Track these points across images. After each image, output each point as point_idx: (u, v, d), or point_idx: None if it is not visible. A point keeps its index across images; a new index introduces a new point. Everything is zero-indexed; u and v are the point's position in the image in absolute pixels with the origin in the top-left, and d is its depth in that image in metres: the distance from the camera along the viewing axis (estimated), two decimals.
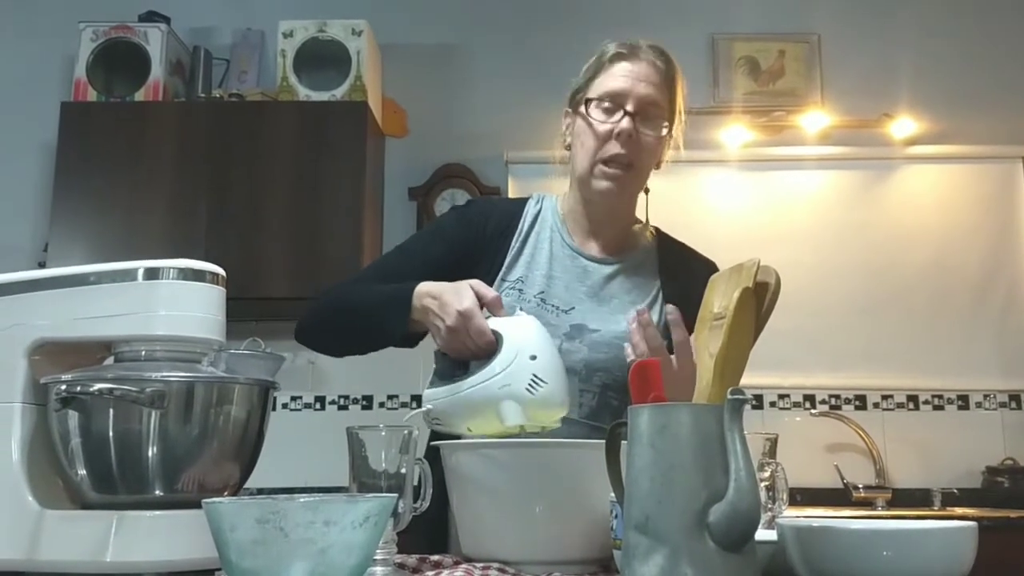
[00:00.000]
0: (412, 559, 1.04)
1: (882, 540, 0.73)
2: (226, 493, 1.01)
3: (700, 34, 3.43)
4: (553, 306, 1.39)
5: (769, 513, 1.12)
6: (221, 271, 1.03)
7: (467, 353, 1.17)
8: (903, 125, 3.32)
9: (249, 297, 2.91)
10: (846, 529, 0.75)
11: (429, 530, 1.33)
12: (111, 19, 3.19)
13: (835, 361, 3.20)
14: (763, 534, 0.79)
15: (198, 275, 1.00)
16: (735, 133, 3.35)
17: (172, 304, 0.98)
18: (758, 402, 3.20)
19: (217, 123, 3.13)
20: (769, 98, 3.39)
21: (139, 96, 3.14)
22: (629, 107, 1.37)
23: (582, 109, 1.41)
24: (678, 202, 3.30)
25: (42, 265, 3.01)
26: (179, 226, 3.03)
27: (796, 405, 3.23)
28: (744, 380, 0.89)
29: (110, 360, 1.03)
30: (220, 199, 3.05)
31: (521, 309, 1.28)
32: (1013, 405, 3.20)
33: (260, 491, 2.87)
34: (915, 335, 3.21)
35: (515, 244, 1.44)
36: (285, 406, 3.21)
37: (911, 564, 0.72)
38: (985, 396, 3.20)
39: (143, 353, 1.00)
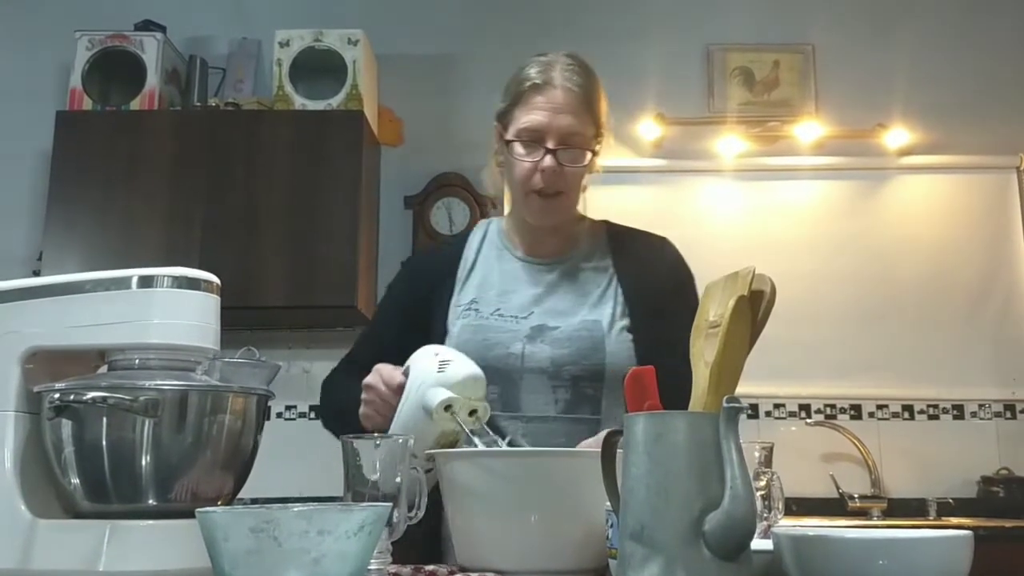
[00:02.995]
0: (407, 569, 1.04)
1: (878, 549, 0.73)
2: (220, 503, 1.00)
3: (695, 44, 3.45)
4: (511, 316, 1.43)
5: (765, 522, 1.12)
6: (215, 279, 1.03)
7: (391, 411, 1.22)
8: (897, 135, 3.33)
9: (244, 306, 2.91)
10: (842, 538, 0.75)
11: (426, 541, 1.34)
12: (107, 28, 3.20)
13: (830, 371, 3.21)
14: (759, 543, 0.79)
15: (192, 283, 1.00)
16: (730, 143, 3.36)
17: (166, 312, 0.98)
18: (753, 411, 3.20)
19: (213, 132, 3.13)
20: (764, 108, 3.40)
21: (135, 105, 3.14)
22: (550, 143, 1.40)
23: (506, 145, 1.44)
24: (673, 211, 3.31)
25: (36, 274, 3.01)
26: (174, 235, 3.02)
27: (791, 415, 3.23)
28: (739, 389, 0.89)
29: (104, 368, 1.03)
30: (215, 208, 3.05)
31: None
32: (1008, 415, 3.20)
33: (254, 501, 2.86)
34: (910, 345, 3.21)
35: (462, 275, 1.49)
36: (280, 415, 3.20)
37: (907, 573, 0.72)
38: (980, 406, 3.21)
39: (137, 361, 0.99)
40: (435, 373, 1.15)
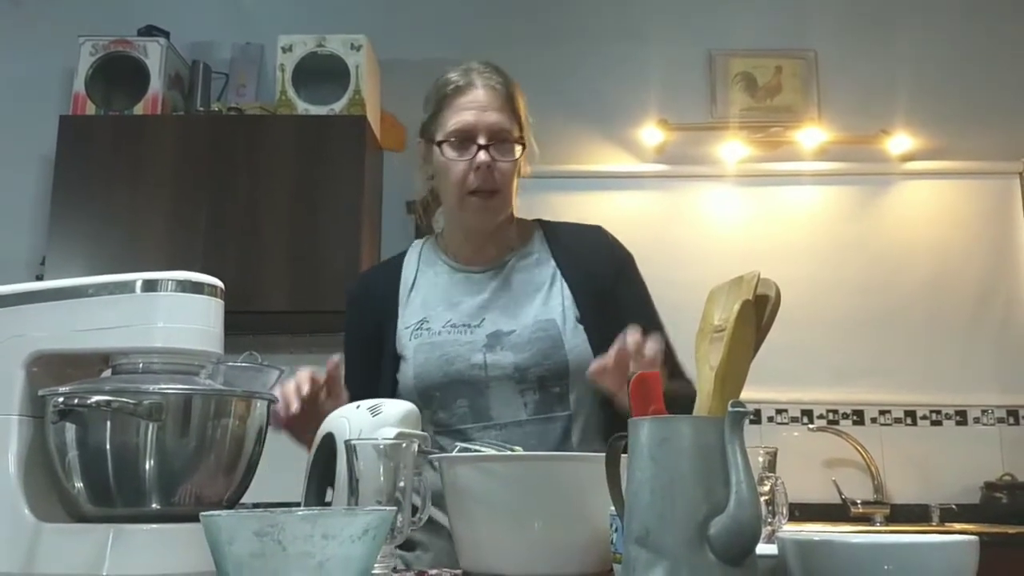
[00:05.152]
0: (410, 573, 1.04)
1: (883, 554, 0.73)
2: (223, 507, 1.00)
3: (698, 50, 3.45)
4: (464, 326, 1.43)
5: (769, 527, 1.12)
6: (219, 283, 1.03)
7: (289, 413, 1.24)
8: (900, 141, 3.33)
9: (247, 311, 2.91)
10: (847, 543, 0.75)
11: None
12: (110, 33, 3.20)
13: (833, 376, 3.20)
14: (763, 548, 0.79)
15: (196, 287, 1.00)
16: (732, 149, 3.36)
17: (170, 316, 0.98)
18: (756, 417, 3.20)
19: (216, 137, 3.14)
20: (766, 114, 3.40)
21: (138, 110, 3.15)
22: (481, 140, 1.41)
23: (436, 149, 1.45)
24: (675, 217, 3.31)
25: (40, 278, 3.01)
26: (177, 240, 3.03)
27: (794, 420, 3.22)
28: (742, 395, 0.89)
29: (108, 372, 1.03)
30: (218, 213, 3.05)
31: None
32: (1011, 421, 3.20)
33: (257, 506, 2.86)
34: (913, 350, 3.21)
35: (403, 295, 1.50)
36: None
37: None
38: (983, 411, 3.20)
39: (141, 365, 0.99)
40: (371, 419, 1.11)
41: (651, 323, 1.27)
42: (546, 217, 1.59)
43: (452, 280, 1.50)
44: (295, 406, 1.25)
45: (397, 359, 1.45)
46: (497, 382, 1.38)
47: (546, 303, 1.44)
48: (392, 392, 1.44)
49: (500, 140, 1.42)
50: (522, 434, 1.37)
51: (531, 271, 1.48)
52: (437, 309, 1.46)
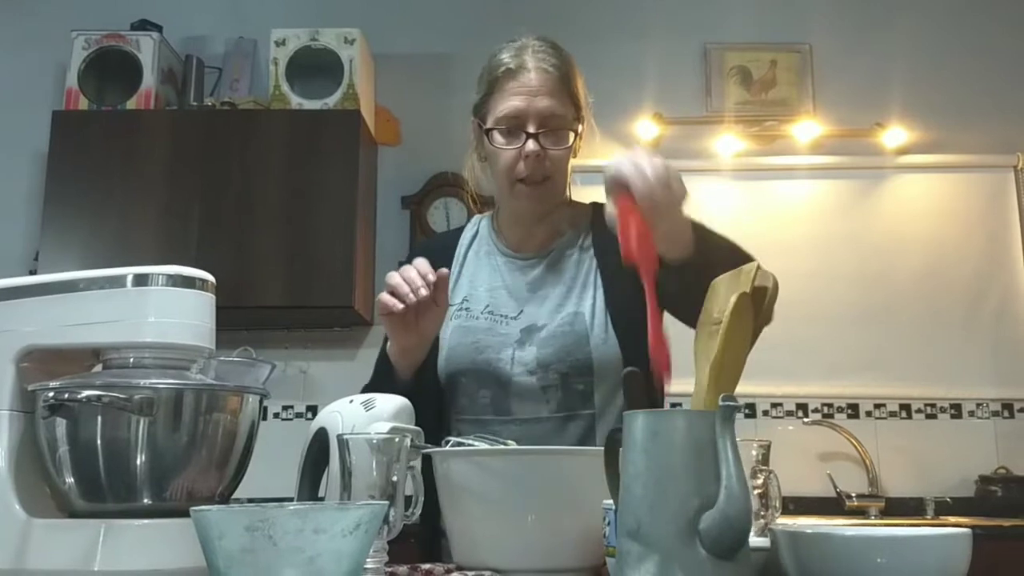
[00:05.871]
0: (403, 568, 1.04)
1: (876, 547, 0.72)
2: (215, 502, 1.00)
3: (693, 43, 3.44)
4: (502, 316, 1.41)
5: (762, 521, 1.12)
6: (211, 278, 1.02)
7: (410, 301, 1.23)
8: (895, 135, 3.33)
9: (241, 306, 2.91)
10: (840, 536, 0.75)
11: (423, 534, 1.33)
12: (103, 28, 3.19)
13: (828, 370, 3.21)
14: (755, 542, 0.79)
15: (188, 282, 0.99)
16: (727, 142, 3.36)
17: (161, 311, 0.97)
18: (751, 411, 3.20)
19: (209, 131, 3.13)
20: (761, 107, 3.40)
21: (131, 104, 3.14)
22: (531, 128, 1.36)
23: (485, 136, 1.41)
24: None
25: (33, 272, 3.00)
26: (171, 235, 3.02)
27: (789, 414, 3.23)
28: (736, 389, 0.89)
29: (99, 367, 1.02)
30: (212, 208, 3.04)
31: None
32: (1006, 414, 3.21)
33: (251, 501, 2.85)
34: (908, 344, 3.21)
35: (454, 270, 1.47)
36: (277, 416, 3.19)
37: (906, 571, 0.72)
38: (978, 405, 3.21)
39: (132, 360, 0.99)
40: (364, 413, 1.10)
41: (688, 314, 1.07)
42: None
43: (499, 264, 1.47)
44: (423, 291, 1.22)
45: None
46: (519, 377, 1.35)
47: (582, 296, 1.40)
48: (433, 366, 1.41)
49: (552, 127, 1.37)
50: (542, 431, 1.34)
51: (573, 262, 1.44)
52: (479, 291, 1.44)
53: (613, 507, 0.85)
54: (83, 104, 3.13)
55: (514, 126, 1.37)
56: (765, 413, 3.22)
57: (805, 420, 3.19)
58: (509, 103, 1.37)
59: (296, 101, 3.14)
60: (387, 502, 0.87)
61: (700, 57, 3.44)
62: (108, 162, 3.09)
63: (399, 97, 3.41)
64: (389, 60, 3.40)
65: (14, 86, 3.41)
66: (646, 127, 3.35)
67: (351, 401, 1.13)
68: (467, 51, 3.68)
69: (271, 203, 3.05)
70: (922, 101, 3.35)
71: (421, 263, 1.27)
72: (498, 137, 1.39)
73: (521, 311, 1.41)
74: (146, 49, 3.16)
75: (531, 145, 1.36)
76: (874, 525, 2.77)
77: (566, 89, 1.40)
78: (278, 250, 3.02)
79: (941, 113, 3.35)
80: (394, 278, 1.27)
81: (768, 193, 3.36)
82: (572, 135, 1.39)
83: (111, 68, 3.19)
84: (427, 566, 1.05)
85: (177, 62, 3.33)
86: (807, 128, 3.35)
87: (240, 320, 3.02)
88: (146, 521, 0.92)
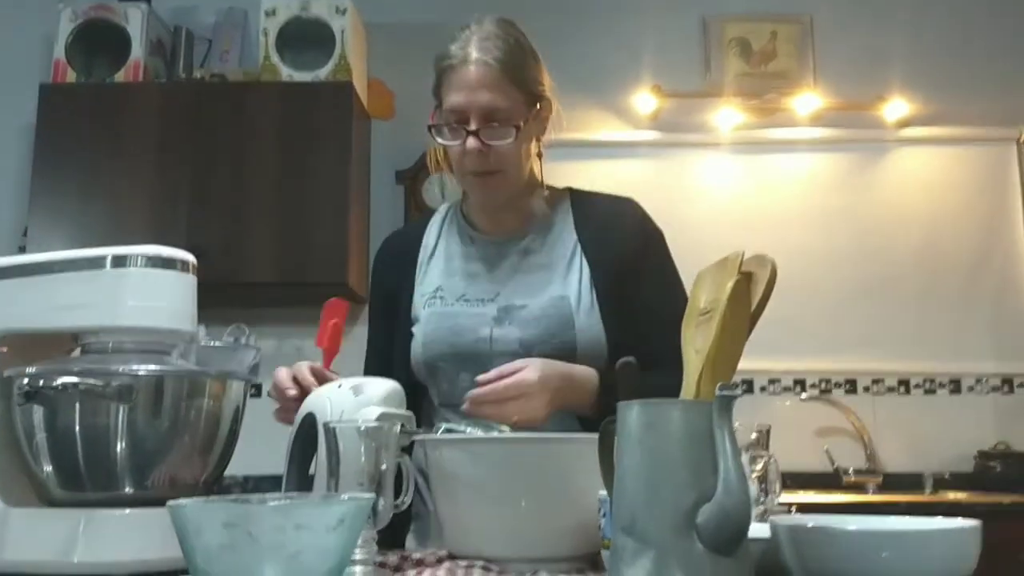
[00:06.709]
0: (393, 557, 1.01)
1: (881, 541, 0.70)
2: (200, 489, 0.97)
3: (691, 15, 3.38)
4: (477, 300, 1.39)
5: (762, 506, 1.09)
6: (192, 259, 0.99)
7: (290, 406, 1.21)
8: (896, 107, 3.29)
9: (233, 283, 2.87)
10: (843, 530, 0.72)
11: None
12: None
13: (826, 345, 3.18)
14: (755, 528, 0.76)
15: (167, 263, 0.96)
16: (727, 115, 3.31)
17: (140, 294, 0.94)
18: (748, 387, 3.18)
19: (199, 105, 3.07)
20: (761, 80, 3.35)
21: (119, 77, 3.08)
22: (472, 124, 1.34)
23: (429, 132, 1.40)
24: (669, 184, 3.26)
25: (22, 249, 2.96)
26: (161, 210, 2.97)
27: (786, 390, 3.21)
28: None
29: (77, 352, 0.99)
30: (202, 183, 2.99)
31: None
32: (1005, 389, 3.19)
33: (246, 479, 2.84)
34: (907, 318, 3.19)
35: (423, 259, 1.46)
36: (271, 394, 3.16)
37: (911, 566, 0.69)
38: (977, 380, 3.19)
39: (111, 345, 0.96)
40: (353, 398, 1.07)
41: (673, 306, 1.02)
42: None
43: (471, 249, 1.45)
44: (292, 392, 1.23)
45: (410, 323, 1.41)
46: (501, 358, 1.32)
47: (565, 279, 1.38)
48: (407, 360, 1.40)
49: (493, 121, 1.34)
50: None
51: (552, 244, 1.42)
52: (453, 279, 1.42)
53: (609, 499, 0.82)
54: (71, 77, 3.08)
55: (457, 121, 1.36)
56: (763, 389, 3.20)
57: (802, 396, 3.17)
58: (452, 98, 1.36)
59: (287, 72, 3.08)
60: (373, 495, 0.85)
61: (699, 29, 3.38)
62: (97, 135, 3.03)
63: (393, 69, 3.35)
64: (383, 30, 3.34)
65: (0, 59, 3.35)
66: (645, 100, 3.30)
67: (339, 386, 1.10)
68: (463, 21, 3.63)
69: (262, 178, 3.00)
70: (924, 73, 3.30)
71: (302, 371, 1.28)
72: (445, 132, 1.38)
73: (498, 293, 1.39)
74: (134, 20, 3.10)
75: (471, 142, 1.35)
76: (872, 502, 2.76)
77: (511, 79, 1.36)
78: (270, 225, 2.97)
79: (943, 85, 3.30)
80: (278, 375, 1.29)
81: (768, 166, 3.32)
82: (514, 129, 1.35)
83: (99, 40, 3.13)
84: (418, 555, 1.03)
85: (166, 33, 3.26)
86: (807, 101, 3.30)
87: (233, 298, 2.98)
88: (128, 511, 0.90)
